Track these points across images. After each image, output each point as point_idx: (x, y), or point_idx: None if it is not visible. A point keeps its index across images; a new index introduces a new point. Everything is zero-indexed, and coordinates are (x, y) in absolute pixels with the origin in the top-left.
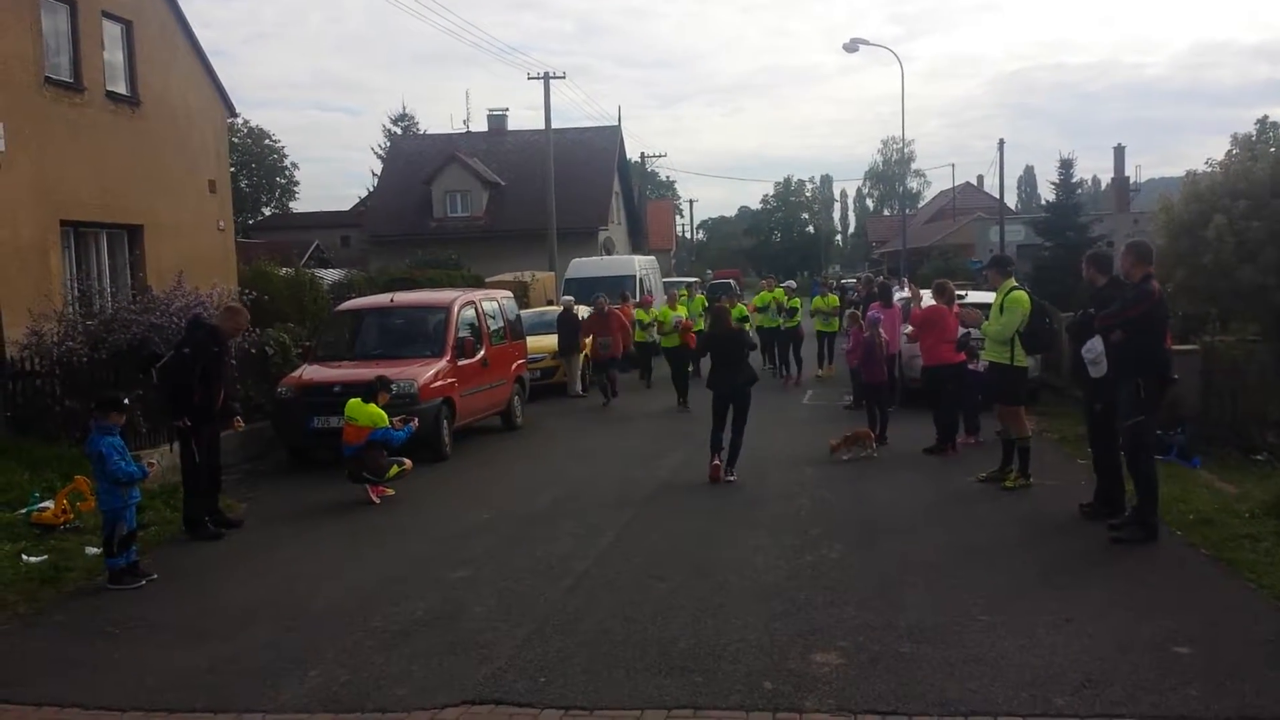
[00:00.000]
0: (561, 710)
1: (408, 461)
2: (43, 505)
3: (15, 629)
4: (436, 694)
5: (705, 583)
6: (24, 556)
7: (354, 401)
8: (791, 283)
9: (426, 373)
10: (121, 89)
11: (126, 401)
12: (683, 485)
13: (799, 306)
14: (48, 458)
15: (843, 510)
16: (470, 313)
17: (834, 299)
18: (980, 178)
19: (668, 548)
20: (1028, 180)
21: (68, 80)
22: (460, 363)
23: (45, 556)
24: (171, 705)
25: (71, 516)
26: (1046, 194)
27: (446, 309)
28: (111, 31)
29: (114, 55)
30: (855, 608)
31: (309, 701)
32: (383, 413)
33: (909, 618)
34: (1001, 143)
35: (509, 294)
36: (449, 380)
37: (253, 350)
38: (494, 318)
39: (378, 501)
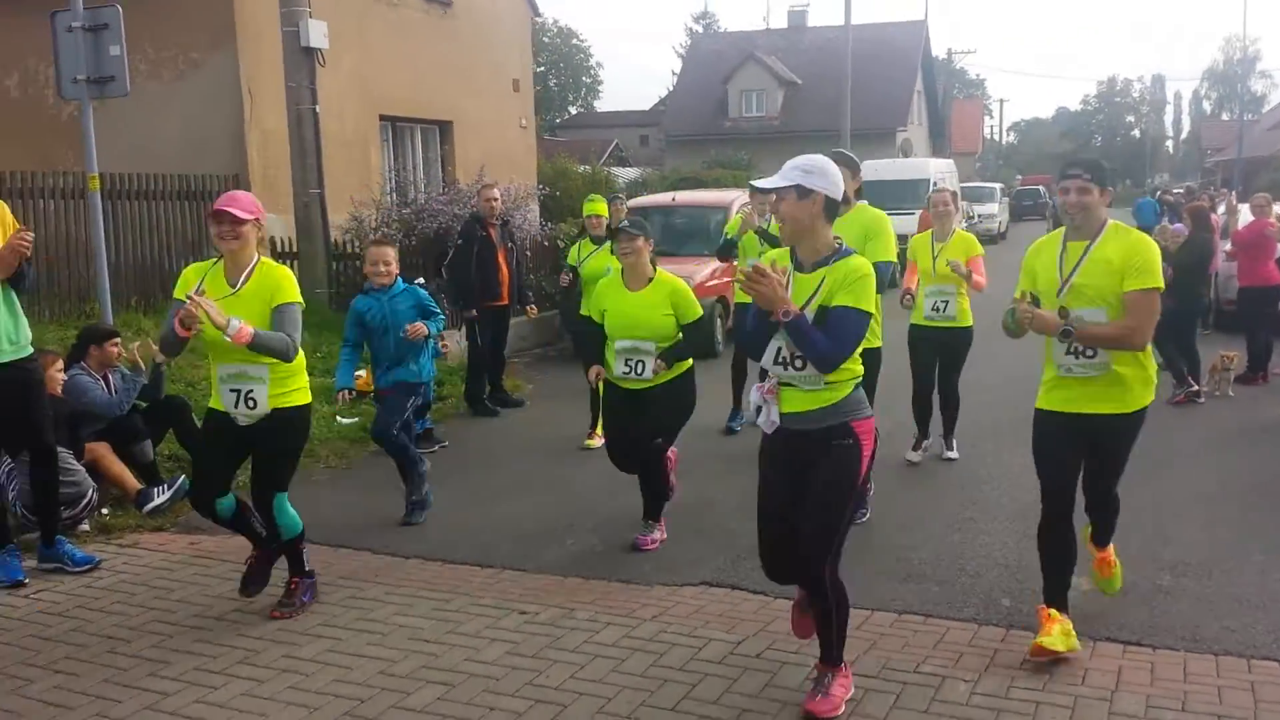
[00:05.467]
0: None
1: None
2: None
3: (326, 480)
4: (679, 572)
5: (959, 496)
6: (339, 418)
7: None
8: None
9: (703, 271)
10: None
11: (421, 282)
12: None
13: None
14: None
15: None
16: None
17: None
18: None
19: (923, 460)
20: None
21: None
22: None
23: (356, 419)
24: (446, 556)
25: None
26: None
27: (726, 209)
28: None
29: None
30: (1118, 535)
31: (564, 566)
32: None
33: (1175, 551)
34: None
35: None
36: (724, 279)
37: (545, 243)
38: None
39: None
